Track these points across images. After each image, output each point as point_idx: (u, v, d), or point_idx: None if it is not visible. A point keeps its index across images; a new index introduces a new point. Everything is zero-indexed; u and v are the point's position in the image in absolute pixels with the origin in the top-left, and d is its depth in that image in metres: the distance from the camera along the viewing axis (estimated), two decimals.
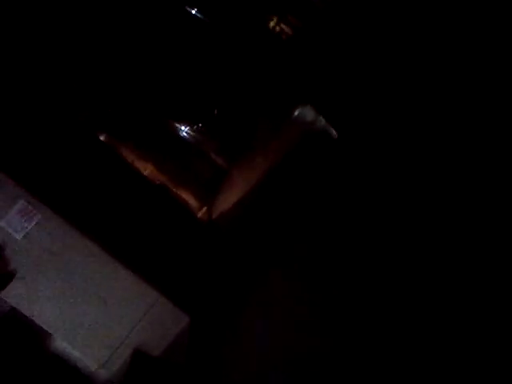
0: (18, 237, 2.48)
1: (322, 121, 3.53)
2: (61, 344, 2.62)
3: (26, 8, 3.03)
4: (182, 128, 3.13)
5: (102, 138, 3.14)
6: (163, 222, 3.29)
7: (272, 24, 3.46)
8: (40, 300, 2.46)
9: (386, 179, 2.07)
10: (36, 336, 2.64)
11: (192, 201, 3.40)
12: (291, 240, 3.07)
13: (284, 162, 3.37)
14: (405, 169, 1.93)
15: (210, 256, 3.33)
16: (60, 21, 3.16)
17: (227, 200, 3.50)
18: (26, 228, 2.45)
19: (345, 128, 3.47)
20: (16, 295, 2.44)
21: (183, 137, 3.09)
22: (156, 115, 3.12)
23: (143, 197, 3.24)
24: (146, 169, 3.29)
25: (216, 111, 3.13)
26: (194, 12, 3.30)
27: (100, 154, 3.16)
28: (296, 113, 3.52)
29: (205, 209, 3.48)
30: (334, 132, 3.49)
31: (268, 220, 3.31)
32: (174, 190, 3.37)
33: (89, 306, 2.47)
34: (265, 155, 3.51)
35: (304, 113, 3.55)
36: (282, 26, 3.52)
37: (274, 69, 3.39)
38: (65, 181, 2.86)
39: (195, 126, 3.09)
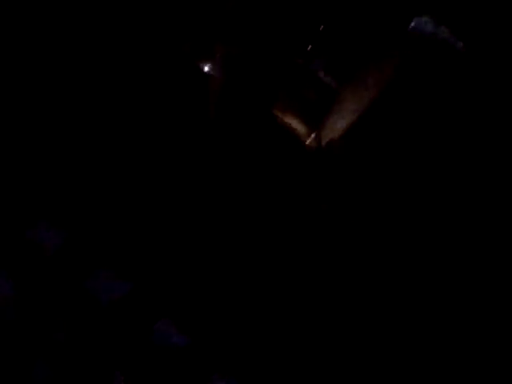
0: None
1: (444, 32, 3.15)
2: None
3: None
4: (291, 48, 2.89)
5: (206, 68, 2.97)
6: (271, 151, 3.14)
7: None
8: None
9: None
10: None
11: (300, 127, 3.21)
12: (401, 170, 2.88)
13: (400, 82, 3.07)
14: None
15: (319, 184, 3.19)
16: None
17: (337, 124, 3.29)
18: None
19: (474, 39, 3.08)
20: None
21: (290, 56, 2.84)
22: (259, 32, 2.89)
23: (249, 125, 3.10)
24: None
25: (322, 26, 2.85)
26: None
27: (205, 83, 3.02)
28: (413, 24, 3.15)
29: (313, 135, 3.28)
30: (461, 44, 3.11)
31: (380, 147, 3.09)
32: (280, 116, 3.18)
33: None
34: (378, 74, 3.23)
35: (422, 24, 3.17)
36: None
37: None
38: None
39: (302, 44, 2.84)
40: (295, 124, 3.14)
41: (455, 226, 1.92)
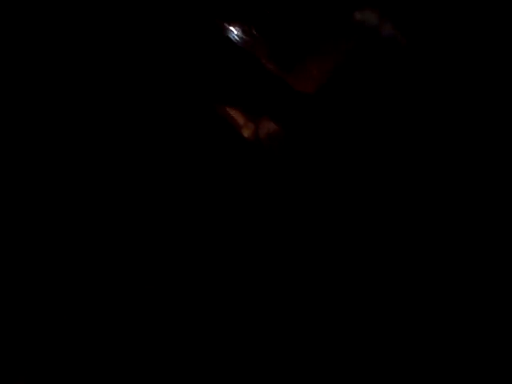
0: None
1: (388, 26, 3.11)
2: None
3: None
4: (233, 30, 2.67)
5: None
6: (208, 141, 2.89)
7: None
8: None
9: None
10: None
11: (239, 117, 2.97)
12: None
13: (342, 74, 2.98)
14: None
15: (254, 177, 3.01)
16: None
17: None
18: None
19: (418, 36, 3.08)
20: None
21: (233, 39, 2.62)
22: (203, 15, 2.62)
23: (186, 113, 2.82)
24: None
25: (268, 11, 2.68)
26: None
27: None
28: (357, 17, 3.08)
29: (252, 126, 3.06)
30: (404, 39, 3.10)
31: (319, 143, 2.97)
32: (219, 105, 2.90)
33: None
34: (321, 65, 3.12)
35: (366, 17, 3.12)
36: None
37: None
38: None
39: (246, 28, 2.64)
40: (234, 114, 2.90)
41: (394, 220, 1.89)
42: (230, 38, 2.69)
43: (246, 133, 2.94)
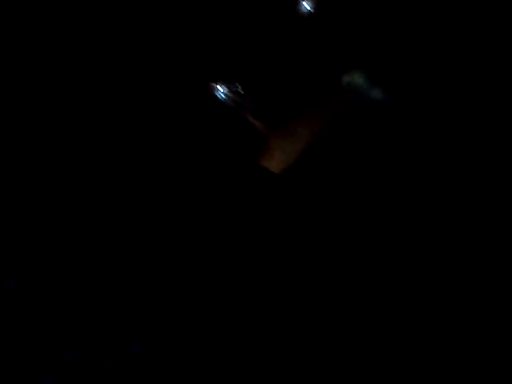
0: None
1: (376, 89, 3.13)
2: None
3: None
4: (219, 88, 2.70)
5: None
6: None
7: None
8: None
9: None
10: None
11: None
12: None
13: (330, 135, 2.99)
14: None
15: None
16: None
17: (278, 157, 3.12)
18: None
19: (404, 98, 3.10)
20: None
21: (220, 97, 2.65)
22: (191, 73, 2.68)
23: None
24: None
25: (256, 70, 2.72)
26: None
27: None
28: (345, 79, 3.11)
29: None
30: (391, 102, 3.11)
31: (308, 202, 2.94)
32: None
33: None
34: (308, 125, 3.14)
35: (354, 80, 3.15)
36: None
37: (320, 27, 3.00)
38: None
39: (233, 86, 2.68)
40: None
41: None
42: (216, 96, 2.73)
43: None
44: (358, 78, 2.98)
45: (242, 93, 2.81)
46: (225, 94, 2.81)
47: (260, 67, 2.86)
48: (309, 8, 2.94)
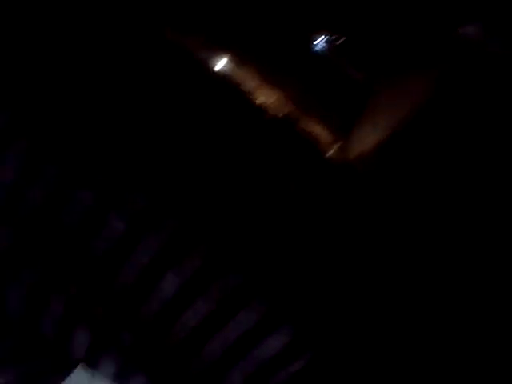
0: None
1: (496, 42, 2.39)
2: None
3: None
4: (316, 39, 2.36)
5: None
6: (287, 163, 2.66)
7: None
8: None
9: None
10: None
11: (323, 135, 2.64)
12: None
13: (445, 93, 2.35)
14: None
15: (342, 205, 2.65)
16: None
17: (369, 134, 2.63)
18: None
19: None
20: None
21: (316, 50, 2.30)
22: (283, 22, 2.43)
23: (263, 133, 2.66)
24: (271, 96, 2.60)
25: (357, 18, 2.26)
26: None
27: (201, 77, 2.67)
28: (460, 30, 2.44)
29: (339, 145, 2.66)
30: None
31: (420, 167, 2.51)
32: (301, 121, 2.65)
33: None
34: (420, 80, 2.47)
35: (471, 31, 2.46)
36: None
37: None
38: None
39: (332, 36, 2.29)
40: (316, 130, 2.59)
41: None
42: (312, 49, 2.37)
43: (330, 152, 2.56)
44: (475, 29, 2.26)
45: (343, 43, 2.37)
46: (323, 46, 2.43)
47: (361, 12, 2.36)
48: None
